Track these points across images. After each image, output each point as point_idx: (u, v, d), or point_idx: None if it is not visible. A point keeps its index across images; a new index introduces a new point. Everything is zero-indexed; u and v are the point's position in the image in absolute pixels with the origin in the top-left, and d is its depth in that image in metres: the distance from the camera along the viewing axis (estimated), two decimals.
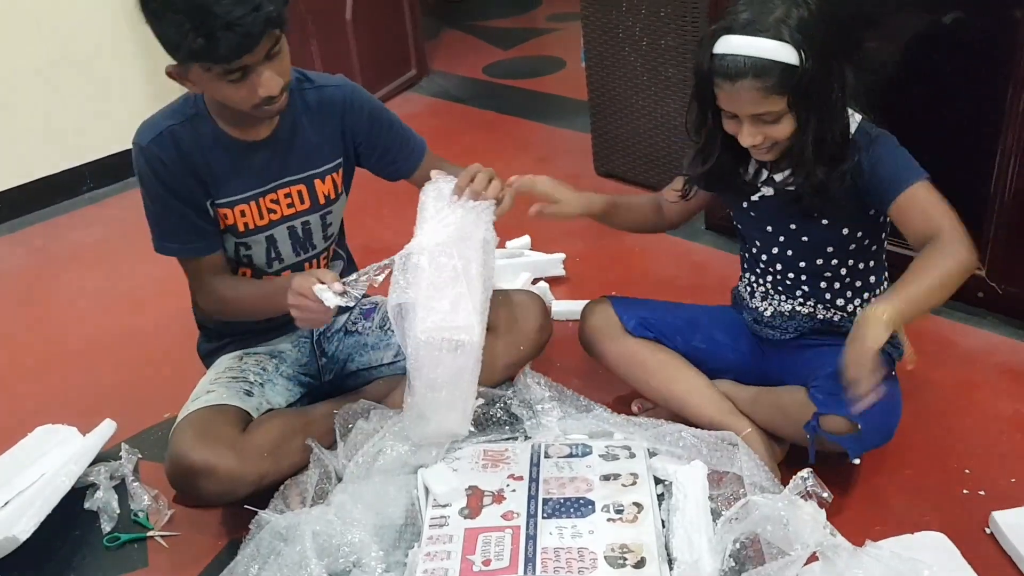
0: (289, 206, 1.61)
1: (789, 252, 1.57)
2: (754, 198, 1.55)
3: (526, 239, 2.42)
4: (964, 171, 1.87)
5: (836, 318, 1.59)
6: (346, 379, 1.78)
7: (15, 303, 2.57)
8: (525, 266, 2.29)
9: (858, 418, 1.38)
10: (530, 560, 1.30)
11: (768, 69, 1.32)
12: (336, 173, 1.65)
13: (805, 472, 1.31)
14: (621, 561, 1.29)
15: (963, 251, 1.32)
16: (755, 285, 1.66)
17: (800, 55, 1.31)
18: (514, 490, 1.45)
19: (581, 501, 1.41)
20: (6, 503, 1.60)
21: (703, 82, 1.41)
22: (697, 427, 1.56)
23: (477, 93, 3.88)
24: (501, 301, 1.71)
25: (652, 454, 1.53)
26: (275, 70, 1.37)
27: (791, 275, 1.59)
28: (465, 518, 1.40)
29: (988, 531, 1.44)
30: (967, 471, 1.57)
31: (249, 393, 1.62)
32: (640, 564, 1.28)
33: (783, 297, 1.62)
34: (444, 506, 1.43)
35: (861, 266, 1.56)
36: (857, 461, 1.47)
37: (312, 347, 1.77)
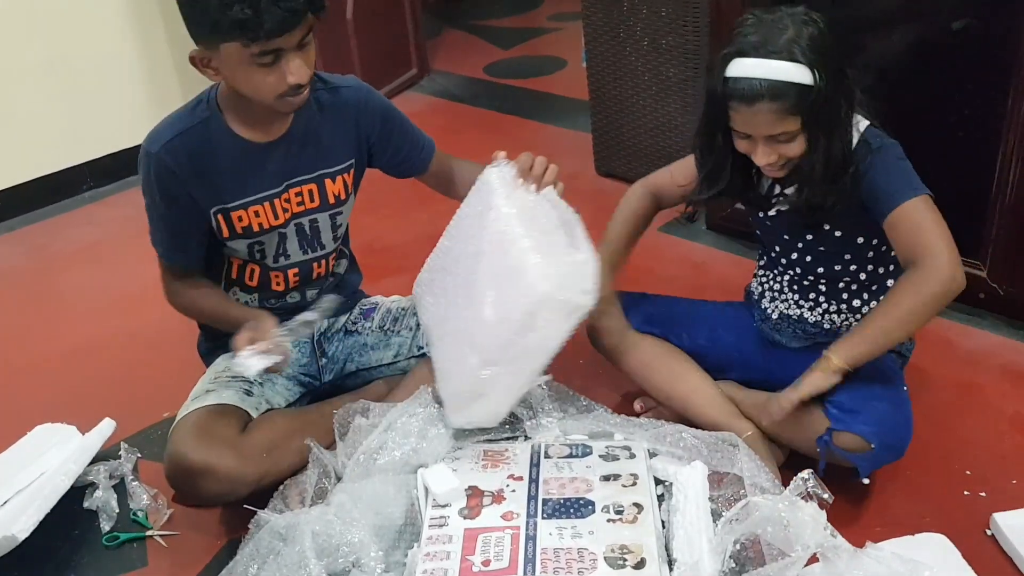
0: (299, 204, 1.61)
1: (808, 258, 1.56)
2: (771, 213, 1.55)
3: None
4: (966, 174, 1.88)
5: (844, 327, 1.58)
6: (346, 379, 1.78)
7: (15, 302, 2.56)
8: None
9: (872, 437, 1.39)
10: (530, 560, 1.29)
11: (784, 91, 1.31)
12: (347, 174, 1.65)
13: (805, 473, 1.31)
14: (621, 562, 1.28)
15: (934, 284, 1.32)
16: (771, 283, 1.65)
17: (814, 75, 1.31)
18: (514, 490, 1.45)
19: (581, 502, 1.41)
20: (5, 502, 1.60)
21: (716, 106, 1.40)
22: (699, 427, 1.55)
23: (478, 93, 3.88)
24: None
25: (652, 455, 1.53)
26: (304, 60, 1.40)
27: (810, 277, 1.58)
28: (465, 518, 1.40)
29: (989, 532, 1.44)
30: (968, 472, 1.57)
31: (249, 393, 1.62)
32: (640, 565, 1.28)
33: (797, 298, 1.61)
34: (444, 506, 1.43)
35: (880, 270, 1.55)
36: (866, 481, 1.46)
37: (312, 347, 1.77)
